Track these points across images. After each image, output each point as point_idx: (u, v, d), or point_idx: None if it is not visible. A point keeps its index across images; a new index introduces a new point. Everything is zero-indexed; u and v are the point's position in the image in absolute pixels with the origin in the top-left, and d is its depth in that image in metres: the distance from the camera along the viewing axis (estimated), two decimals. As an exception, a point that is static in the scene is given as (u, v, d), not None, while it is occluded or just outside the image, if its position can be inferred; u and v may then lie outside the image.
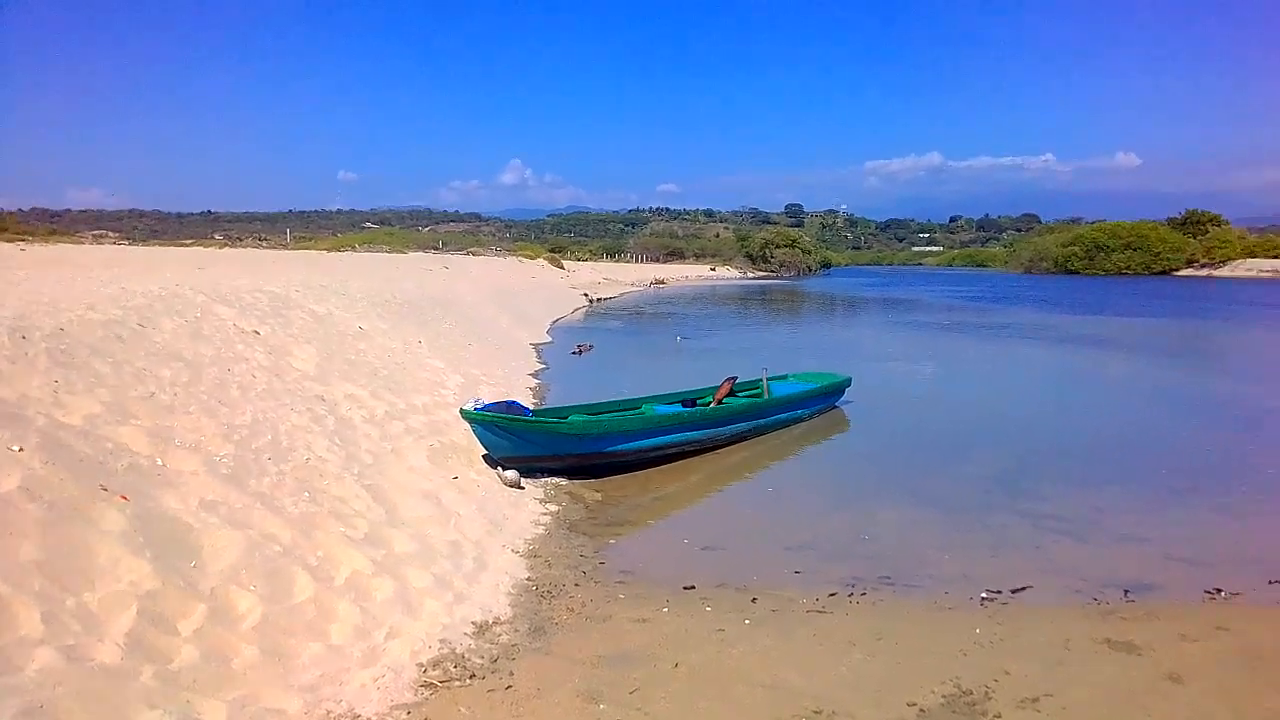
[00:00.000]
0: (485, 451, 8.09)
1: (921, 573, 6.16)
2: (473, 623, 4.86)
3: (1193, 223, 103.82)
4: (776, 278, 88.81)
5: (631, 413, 9.89)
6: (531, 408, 9.67)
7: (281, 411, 7.31)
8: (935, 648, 4.79)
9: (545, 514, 7.22)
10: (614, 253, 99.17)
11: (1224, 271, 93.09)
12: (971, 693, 4.23)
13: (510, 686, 4.19)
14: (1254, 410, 12.88)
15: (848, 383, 12.84)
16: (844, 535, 7.06)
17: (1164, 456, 9.88)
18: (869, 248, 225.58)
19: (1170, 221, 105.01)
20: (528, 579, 5.69)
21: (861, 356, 19.98)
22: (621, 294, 49.18)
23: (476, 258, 53.57)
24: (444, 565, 5.53)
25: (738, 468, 9.44)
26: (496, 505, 7.04)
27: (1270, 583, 5.94)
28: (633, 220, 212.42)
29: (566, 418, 9.04)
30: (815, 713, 4.03)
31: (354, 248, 53.38)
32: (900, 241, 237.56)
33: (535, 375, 15.06)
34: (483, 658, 4.46)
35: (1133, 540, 6.94)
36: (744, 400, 11.20)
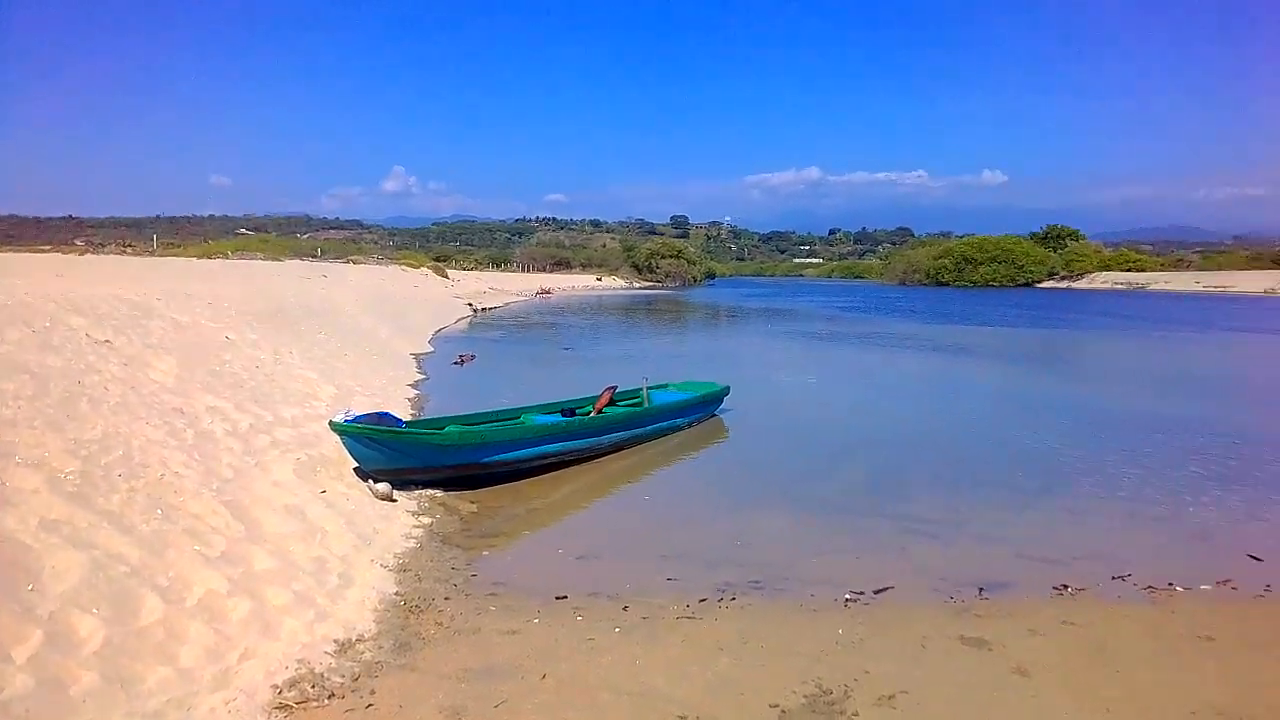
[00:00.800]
0: (356, 464, 7.87)
1: (791, 576, 6.29)
2: (335, 641, 4.70)
3: (1053, 237, 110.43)
4: (662, 288, 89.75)
5: (509, 423, 9.78)
6: (407, 419, 9.48)
7: (136, 425, 6.96)
8: (799, 649, 4.89)
9: (418, 527, 7.06)
10: (500, 262, 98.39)
11: (1082, 284, 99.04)
12: (831, 692, 4.33)
13: (371, 705, 4.08)
14: (1101, 414, 13.65)
15: (726, 391, 13.04)
16: (718, 542, 7.15)
17: (1019, 459, 10.36)
18: (752, 259, 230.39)
19: (1033, 236, 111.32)
20: (396, 594, 5.55)
21: (742, 365, 20.37)
22: (507, 304, 48.80)
23: (357, 266, 52.24)
24: (307, 582, 5.34)
25: (616, 477, 9.45)
26: (366, 519, 6.84)
27: (1113, 578, 6.30)
28: (520, 230, 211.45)
29: (443, 428, 8.88)
30: (680, 718, 4.06)
31: (226, 255, 51.17)
32: (782, 253, 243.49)
33: (414, 386, 14.75)
34: (343, 676, 4.32)
35: (989, 540, 7.25)
36: (624, 409, 11.23)
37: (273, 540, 5.83)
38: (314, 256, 58.99)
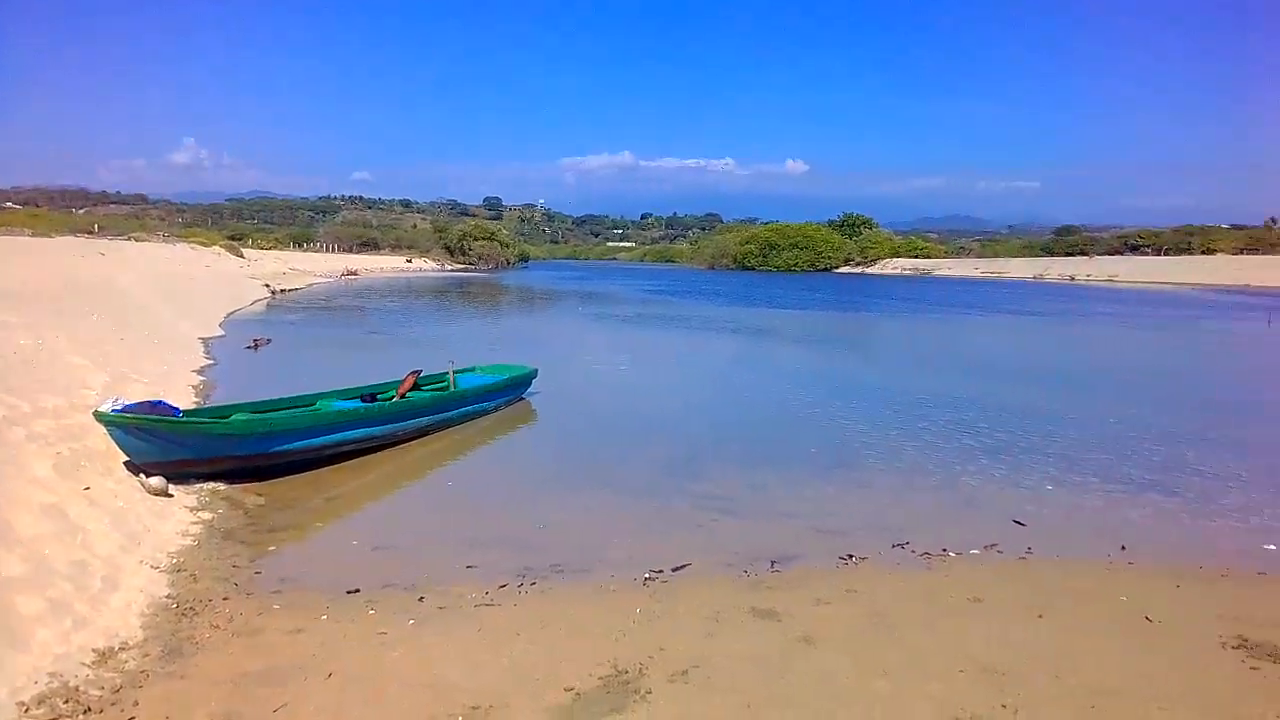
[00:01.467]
0: (127, 458, 7.25)
1: (593, 558, 6.33)
2: (94, 650, 4.31)
3: (850, 225, 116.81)
4: (475, 270, 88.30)
5: (304, 409, 9.32)
6: (186, 407, 8.84)
7: None
8: (597, 630, 4.92)
9: (196, 523, 6.61)
10: (302, 241, 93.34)
11: (875, 269, 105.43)
12: (627, 672, 4.38)
13: (133, 718, 3.75)
14: (888, 391, 14.54)
15: (534, 374, 12.97)
16: (522, 527, 7.10)
17: (814, 435, 10.88)
18: (566, 242, 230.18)
19: (831, 224, 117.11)
20: (168, 596, 5.16)
21: (554, 348, 20.34)
22: (309, 285, 46.56)
23: (140, 244, 48.43)
24: (63, 588, 4.86)
25: (419, 464, 9.22)
26: (137, 517, 6.32)
27: (893, 546, 6.72)
28: (324, 208, 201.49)
29: (228, 416, 8.34)
30: (473, 708, 3.98)
31: (-17, 230, 46.13)
32: (596, 237, 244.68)
33: (200, 372, 13.81)
34: (102, 689, 3.97)
35: (783, 515, 7.57)
36: (429, 394, 10.96)
37: (26, 544, 5.27)
38: (91, 233, 54.11)
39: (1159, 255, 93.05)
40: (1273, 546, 6.83)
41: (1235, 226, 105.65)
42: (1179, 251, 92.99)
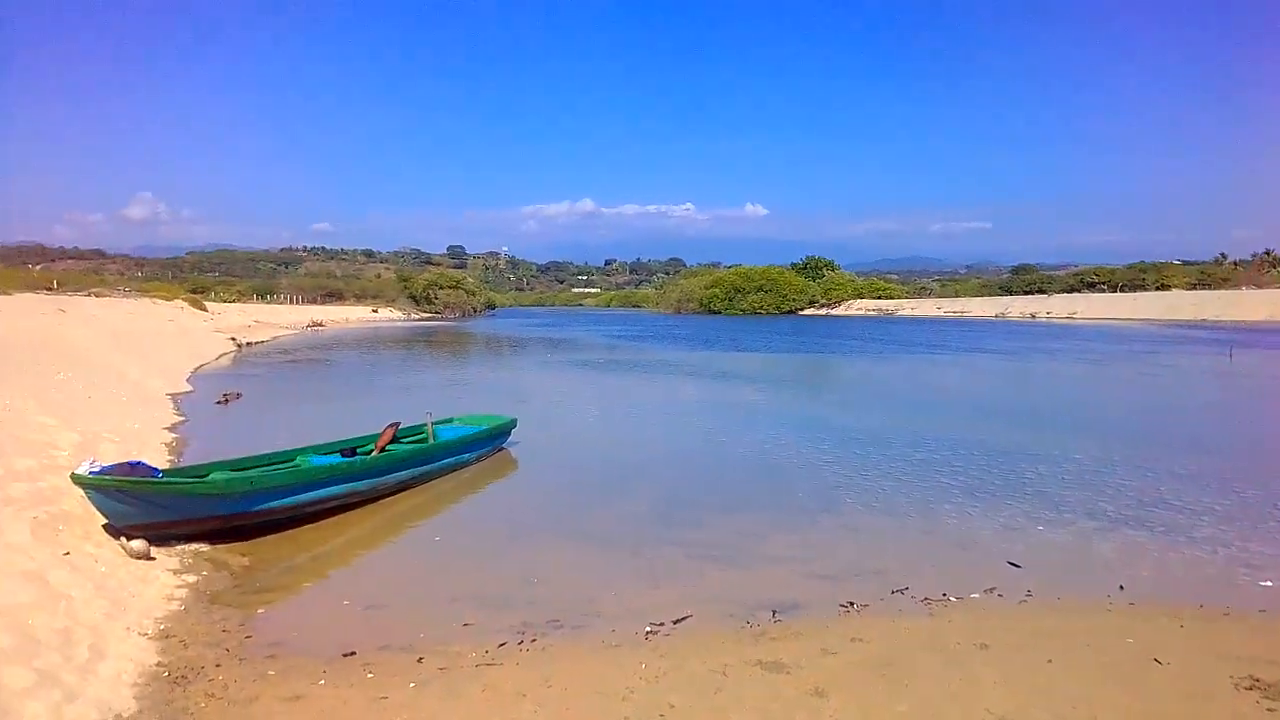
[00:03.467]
0: (106, 520, 7.07)
1: (590, 612, 6.24)
2: (87, 725, 4.15)
3: (812, 267, 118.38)
4: (442, 319, 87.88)
5: (284, 466, 9.16)
6: (164, 466, 8.66)
7: None
8: (604, 689, 4.82)
9: (181, 587, 6.43)
10: (266, 294, 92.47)
11: (839, 310, 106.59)
12: (637, 730, 4.29)
13: (134, 796, 3.61)
14: (862, 432, 14.55)
15: (513, 424, 12.89)
16: (514, 581, 6.99)
17: (797, 480, 10.85)
18: (531, 289, 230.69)
19: (794, 266, 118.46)
20: (158, 664, 4.99)
21: (528, 396, 20.22)
22: (275, 337, 46.03)
23: (101, 299, 47.68)
24: (50, 659, 4.70)
25: (403, 518, 9.07)
26: (120, 582, 6.15)
27: (893, 592, 6.70)
28: (286, 259, 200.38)
29: (206, 475, 8.16)
30: (486, 773, 3.87)
31: (-64, 289, 45.18)
32: (560, 283, 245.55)
33: (172, 429, 13.54)
34: (99, 766, 3.81)
35: (776, 561, 7.52)
36: (408, 447, 10.82)
37: (9, 613, 5.10)
38: (49, 289, 53.26)
39: (1114, 292, 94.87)
40: (1269, 583, 6.89)
41: (1187, 262, 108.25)
42: (1134, 288, 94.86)
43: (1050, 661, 5.23)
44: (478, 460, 11.71)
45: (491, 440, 12.27)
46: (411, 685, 4.86)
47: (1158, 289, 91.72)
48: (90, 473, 6.87)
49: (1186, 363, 31.19)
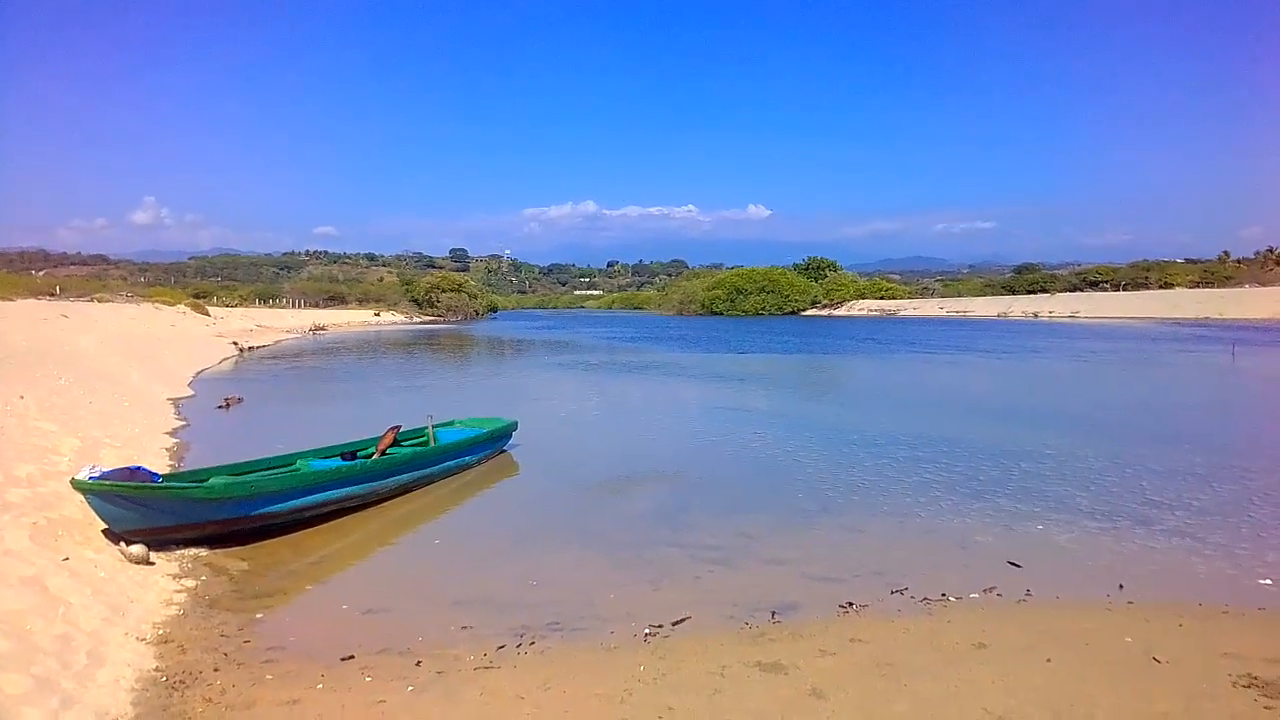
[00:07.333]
0: (106, 526, 7.08)
1: (589, 614, 6.24)
2: (84, 730, 4.15)
3: (814, 268, 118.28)
4: (444, 322, 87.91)
5: (283, 470, 9.17)
6: (164, 471, 8.67)
7: None
8: (602, 691, 4.82)
9: (180, 591, 6.44)
10: (268, 298, 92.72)
11: (842, 311, 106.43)
12: (636, 732, 4.28)
13: (130, 801, 3.61)
14: (862, 433, 14.53)
15: (514, 426, 12.89)
16: (513, 584, 6.99)
17: (797, 481, 10.84)
18: (533, 292, 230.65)
19: (796, 267, 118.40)
20: (156, 669, 4.99)
21: (529, 399, 20.23)
22: (277, 342, 46.05)
23: (104, 304, 47.77)
24: (48, 664, 4.70)
25: (403, 521, 9.08)
26: (119, 587, 6.15)
27: (892, 592, 6.69)
28: (288, 264, 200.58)
29: (205, 480, 8.17)
30: (482, 776, 3.87)
31: (-60, 295, 45.24)
32: (563, 285, 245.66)
33: (173, 434, 13.56)
34: (95, 771, 3.81)
35: (775, 563, 7.51)
36: (409, 450, 10.83)
37: (7, 618, 5.10)
38: (53, 295, 53.36)
39: (1117, 291, 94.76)
40: (1268, 582, 6.87)
41: (1190, 260, 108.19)
42: (1136, 287, 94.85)
43: (1049, 661, 5.22)
44: (479, 463, 11.72)
45: (492, 443, 12.27)
46: (409, 689, 4.86)
47: (1161, 287, 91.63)
48: (90, 478, 6.89)
49: (1188, 361, 31.13)
